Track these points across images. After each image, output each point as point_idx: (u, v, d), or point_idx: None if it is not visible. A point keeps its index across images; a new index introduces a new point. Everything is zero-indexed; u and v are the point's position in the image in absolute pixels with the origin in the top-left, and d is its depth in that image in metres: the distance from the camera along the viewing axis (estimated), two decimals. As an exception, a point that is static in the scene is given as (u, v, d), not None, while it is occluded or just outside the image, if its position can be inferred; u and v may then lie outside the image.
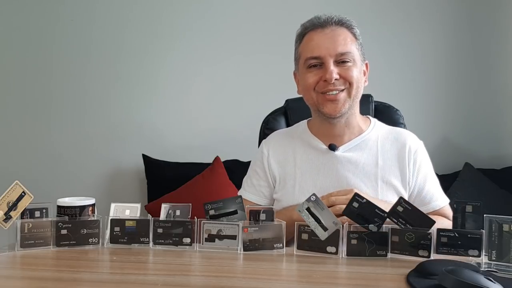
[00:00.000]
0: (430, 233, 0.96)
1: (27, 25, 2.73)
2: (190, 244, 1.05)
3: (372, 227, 0.99)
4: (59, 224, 1.04)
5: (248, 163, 1.43)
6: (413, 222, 0.98)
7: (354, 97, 1.25)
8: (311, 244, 1.01)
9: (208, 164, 2.49)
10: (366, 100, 1.50)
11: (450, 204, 1.25)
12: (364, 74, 1.29)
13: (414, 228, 0.98)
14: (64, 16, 2.73)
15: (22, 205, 1.02)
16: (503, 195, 2.29)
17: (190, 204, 1.07)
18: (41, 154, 2.73)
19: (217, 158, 2.49)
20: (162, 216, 1.06)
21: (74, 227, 1.05)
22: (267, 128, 1.57)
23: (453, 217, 0.98)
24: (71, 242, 1.05)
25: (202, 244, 1.04)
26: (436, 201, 1.27)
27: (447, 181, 2.10)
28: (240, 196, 1.09)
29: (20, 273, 0.92)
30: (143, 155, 2.62)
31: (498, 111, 2.62)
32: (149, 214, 1.29)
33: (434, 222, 0.97)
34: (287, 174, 1.31)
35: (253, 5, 2.67)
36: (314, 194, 1.01)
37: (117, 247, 1.06)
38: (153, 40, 2.71)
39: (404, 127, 1.50)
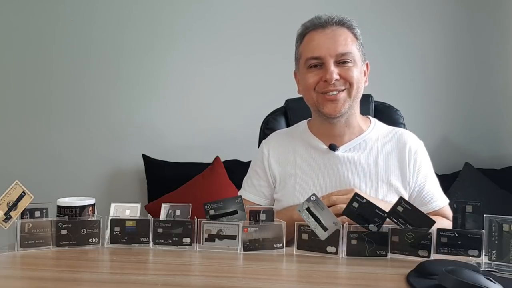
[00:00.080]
0: (430, 233, 0.96)
1: (27, 25, 2.73)
2: (190, 244, 1.05)
3: (372, 227, 0.99)
4: (59, 224, 1.04)
5: (248, 163, 1.43)
6: (413, 222, 0.98)
7: (354, 97, 1.25)
8: (311, 244, 1.01)
9: (208, 164, 2.49)
10: (366, 100, 1.50)
11: (450, 204, 1.25)
12: (365, 74, 1.29)
13: (414, 228, 0.98)
14: (64, 16, 2.73)
15: (22, 205, 1.02)
16: (503, 195, 2.29)
17: (190, 204, 1.07)
18: (41, 154, 2.73)
19: (217, 158, 2.49)
20: (162, 216, 1.06)
21: (74, 227, 1.05)
22: (267, 128, 1.57)
23: (453, 217, 0.98)
24: (71, 242, 1.05)
25: (202, 244, 1.04)
26: (436, 201, 1.27)
27: (447, 181, 2.10)
28: (240, 196, 1.09)
29: (20, 273, 0.92)
30: (143, 155, 2.62)
31: (498, 111, 2.62)
32: (149, 214, 1.29)
33: (434, 222, 0.97)
34: (288, 174, 1.31)
35: (253, 5, 2.67)
36: (314, 194, 1.01)
37: (117, 247, 1.06)
38: (153, 40, 2.71)
39: (404, 127, 1.50)
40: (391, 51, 2.61)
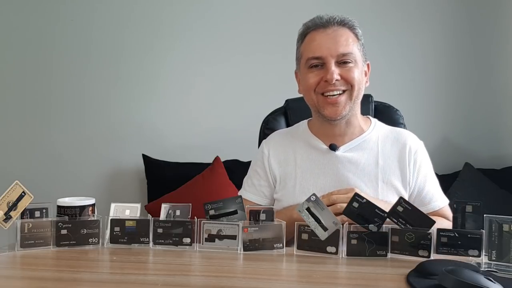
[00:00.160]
0: (430, 233, 0.96)
1: (27, 25, 2.73)
2: (190, 244, 1.05)
3: (372, 227, 0.99)
4: (59, 224, 1.04)
5: (248, 163, 1.43)
6: (413, 222, 0.98)
7: (355, 98, 1.25)
8: (311, 244, 1.01)
9: (208, 164, 2.49)
10: (366, 100, 1.50)
11: (450, 204, 1.25)
12: (365, 74, 1.29)
13: (414, 228, 0.98)
14: (64, 16, 2.73)
15: (22, 205, 1.02)
16: (503, 195, 2.29)
17: (190, 204, 1.07)
18: (41, 154, 2.73)
19: (217, 158, 2.49)
20: (162, 216, 1.06)
21: (74, 227, 1.05)
22: (267, 128, 1.57)
23: (453, 217, 0.98)
24: (71, 242, 1.05)
25: (202, 244, 1.04)
26: (436, 201, 1.27)
27: (447, 181, 2.10)
28: (240, 196, 1.09)
29: (20, 273, 0.92)
30: (143, 155, 2.62)
31: (498, 111, 2.62)
32: (149, 214, 1.29)
33: (434, 222, 0.97)
34: (288, 174, 1.31)
35: (253, 5, 2.67)
36: (314, 194, 1.01)
37: (117, 247, 1.06)
38: (153, 40, 2.71)
39: (404, 127, 1.50)
40: (391, 51, 2.61)
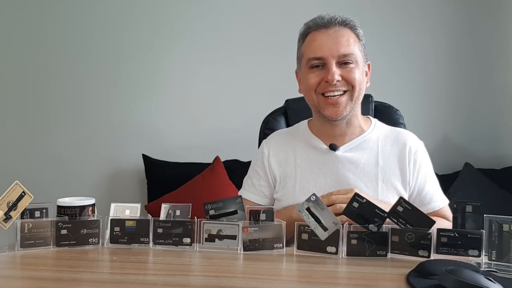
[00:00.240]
0: (430, 233, 0.96)
1: (27, 25, 2.73)
2: (190, 244, 1.05)
3: (372, 227, 0.99)
4: (59, 224, 1.04)
5: (248, 163, 1.43)
6: (413, 222, 0.98)
7: (356, 99, 1.24)
8: (311, 244, 1.01)
9: (208, 164, 2.49)
10: (366, 100, 1.50)
11: (450, 204, 1.25)
12: (366, 74, 1.29)
13: (414, 228, 0.98)
14: (64, 16, 2.73)
15: (22, 205, 1.02)
16: (503, 195, 2.29)
17: (190, 204, 1.07)
18: (41, 154, 2.73)
19: (217, 158, 2.49)
20: (162, 216, 1.06)
21: (74, 227, 1.05)
22: (267, 128, 1.57)
23: (453, 217, 0.98)
24: (71, 242, 1.05)
25: (202, 244, 1.04)
26: (436, 201, 1.27)
27: (447, 181, 2.10)
28: (240, 196, 1.09)
29: (20, 273, 0.92)
30: (143, 155, 2.62)
31: (498, 111, 2.62)
32: (149, 214, 1.29)
33: (434, 222, 0.97)
34: (288, 173, 1.31)
35: (253, 5, 2.67)
36: (314, 194, 1.01)
37: (117, 247, 1.06)
38: (153, 40, 2.71)
39: (404, 127, 1.50)
40: (391, 51, 2.61)
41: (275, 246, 1.03)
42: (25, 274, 0.91)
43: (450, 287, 0.74)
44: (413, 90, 2.64)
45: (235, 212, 1.06)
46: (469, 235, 0.95)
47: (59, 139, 2.73)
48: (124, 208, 1.10)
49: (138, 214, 1.10)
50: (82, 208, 1.07)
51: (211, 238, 1.04)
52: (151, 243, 1.06)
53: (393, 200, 1.11)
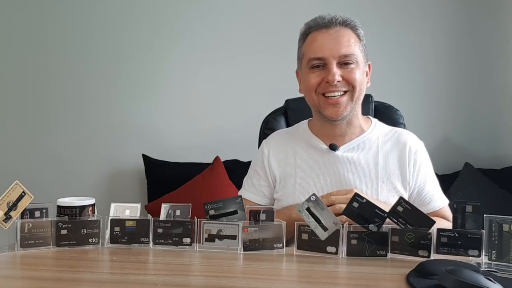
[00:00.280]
0: (430, 233, 0.96)
1: (27, 25, 2.73)
2: (190, 244, 1.05)
3: (372, 227, 0.99)
4: (59, 224, 1.04)
5: (248, 163, 1.43)
6: (413, 222, 0.98)
7: (357, 99, 1.24)
8: (311, 244, 1.01)
9: (208, 164, 2.49)
10: (366, 100, 1.49)
11: (450, 204, 1.25)
12: (367, 75, 1.29)
13: (414, 228, 0.98)
14: (64, 16, 2.73)
15: (22, 205, 1.02)
16: (503, 195, 2.29)
17: (190, 204, 1.07)
18: (41, 154, 2.73)
19: (217, 158, 2.49)
20: (162, 216, 1.06)
21: (74, 227, 1.05)
22: (267, 128, 1.57)
23: (453, 217, 0.98)
24: (71, 242, 1.05)
25: (202, 244, 1.04)
26: (436, 202, 1.27)
27: (447, 181, 2.10)
28: (240, 196, 1.09)
29: (20, 273, 0.92)
30: (143, 155, 2.62)
31: (498, 111, 2.62)
32: (149, 214, 1.29)
33: (434, 222, 0.97)
34: (288, 173, 1.31)
35: (253, 6, 2.67)
36: (314, 194, 1.01)
37: (117, 247, 1.06)
38: (153, 40, 2.71)
39: (404, 127, 1.50)
40: (391, 51, 2.61)
41: (275, 246, 1.03)
42: (25, 274, 0.91)
43: (450, 287, 0.74)
44: (413, 90, 2.64)
45: (235, 212, 1.06)
46: (469, 235, 0.95)
47: (59, 139, 2.73)
48: (124, 208, 1.10)
49: (138, 214, 1.10)
50: (82, 208, 1.07)
51: (211, 238, 1.04)
52: (151, 243, 1.06)
53: (393, 200, 1.11)
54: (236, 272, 0.93)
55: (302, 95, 1.34)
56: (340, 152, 1.28)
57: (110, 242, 1.06)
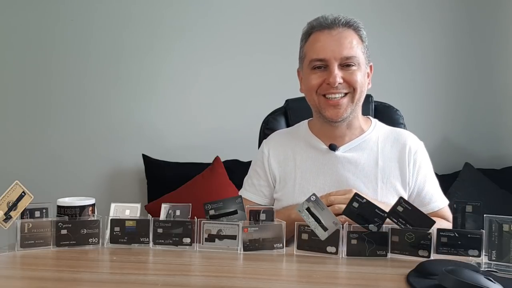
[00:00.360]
0: (430, 233, 0.96)
1: (27, 25, 2.73)
2: (190, 244, 1.05)
3: (372, 227, 0.99)
4: (59, 224, 1.04)
5: (248, 163, 1.43)
6: (413, 222, 0.98)
7: (357, 101, 1.24)
8: (311, 244, 1.01)
9: (208, 164, 2.49)
10: (366, 100, 1.48)
11: (450, 204, 1.25)
12: (368, 76, 1.29)
13: (414, 228, 0.98)
14: (64, 16, 2.73)
15: (22, 205, 1.02)
16: (503, 195, 2.29)
17: (190, 204, 1.07)
18: (41, 154, 2.73)
19: (217, 158, 2.49)
20: (162, 216, 1.06)
21: (74, 227, 1.05)
22: (267, 128, 1.57)
23: (453, 217, 0.98)
24: (71, 242, 1.05)
25: (202, 244, 1.04)
26: (436, 202, 1.27)
27: (447, 181, 2.10)
28: (240, 196, 1.09)
29: (20, 273, 0.92)
30: (143, 155, 2.62)
31: (498, 111, 2.62)
32: (149, 214, 1.29)
33: (434, 222, 0.97)
34: (287, 174, 1.31)
35: (253, 6, 2.67)
36: (314, 194, 1.01)
37: (117, 247, 1.06)
38: (153, 40, 2.71)
39: (404, 127, 1.50)
40: (391, 51, 2.61)
41: (275, 246, 1.03)
42: (25, 274, 0.91)
43: (450, 287, 0.74)
44: (413, 90, 2.64)
45: (235, 212, 1.06)
46: (469, 235, 0.95)
47: (59, 139, 2.73)
48: (124, 208, 1.10)
49: (138, 214, 1.10)
50: (82, 208, 1.07)
51: (211, 238, 1.04)
52: (151, 243, 1.06)
53: (393, 200, 1.11)
54: (236, 272, 0.93)
55: (302, 94, 1.34)
56: (340, 152, 1.28)
57: (110, 242, 1.06)
